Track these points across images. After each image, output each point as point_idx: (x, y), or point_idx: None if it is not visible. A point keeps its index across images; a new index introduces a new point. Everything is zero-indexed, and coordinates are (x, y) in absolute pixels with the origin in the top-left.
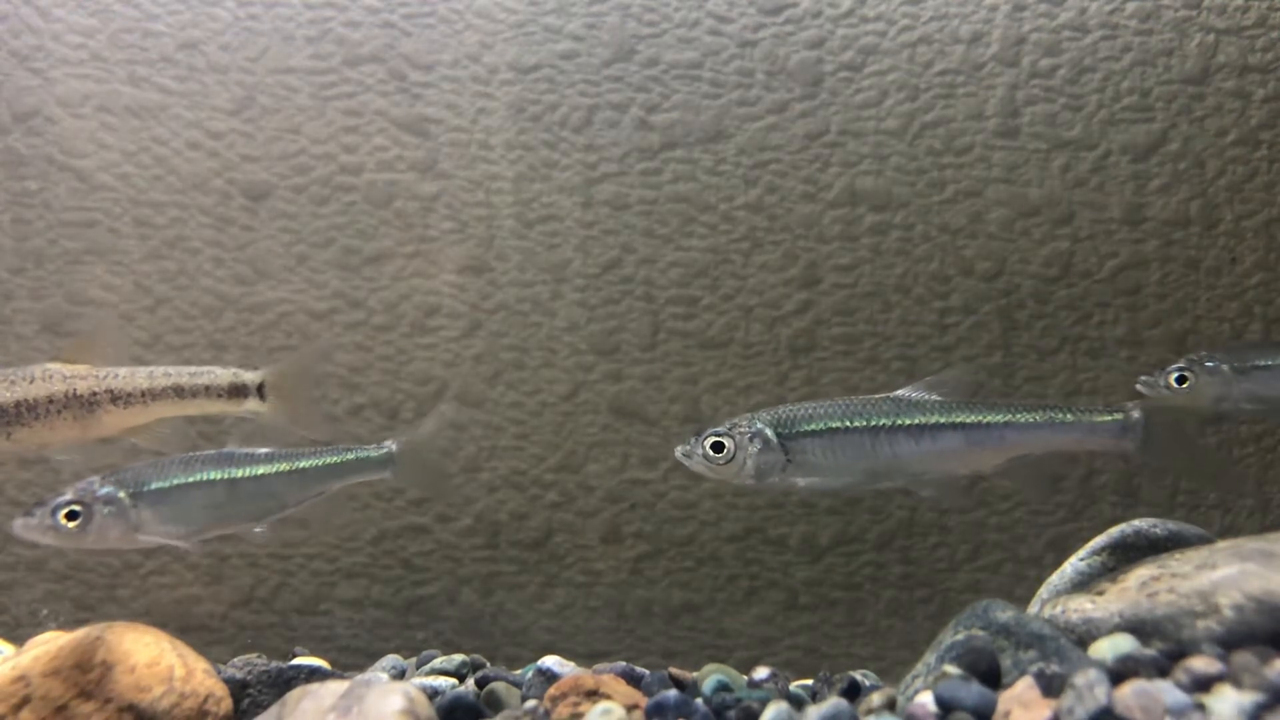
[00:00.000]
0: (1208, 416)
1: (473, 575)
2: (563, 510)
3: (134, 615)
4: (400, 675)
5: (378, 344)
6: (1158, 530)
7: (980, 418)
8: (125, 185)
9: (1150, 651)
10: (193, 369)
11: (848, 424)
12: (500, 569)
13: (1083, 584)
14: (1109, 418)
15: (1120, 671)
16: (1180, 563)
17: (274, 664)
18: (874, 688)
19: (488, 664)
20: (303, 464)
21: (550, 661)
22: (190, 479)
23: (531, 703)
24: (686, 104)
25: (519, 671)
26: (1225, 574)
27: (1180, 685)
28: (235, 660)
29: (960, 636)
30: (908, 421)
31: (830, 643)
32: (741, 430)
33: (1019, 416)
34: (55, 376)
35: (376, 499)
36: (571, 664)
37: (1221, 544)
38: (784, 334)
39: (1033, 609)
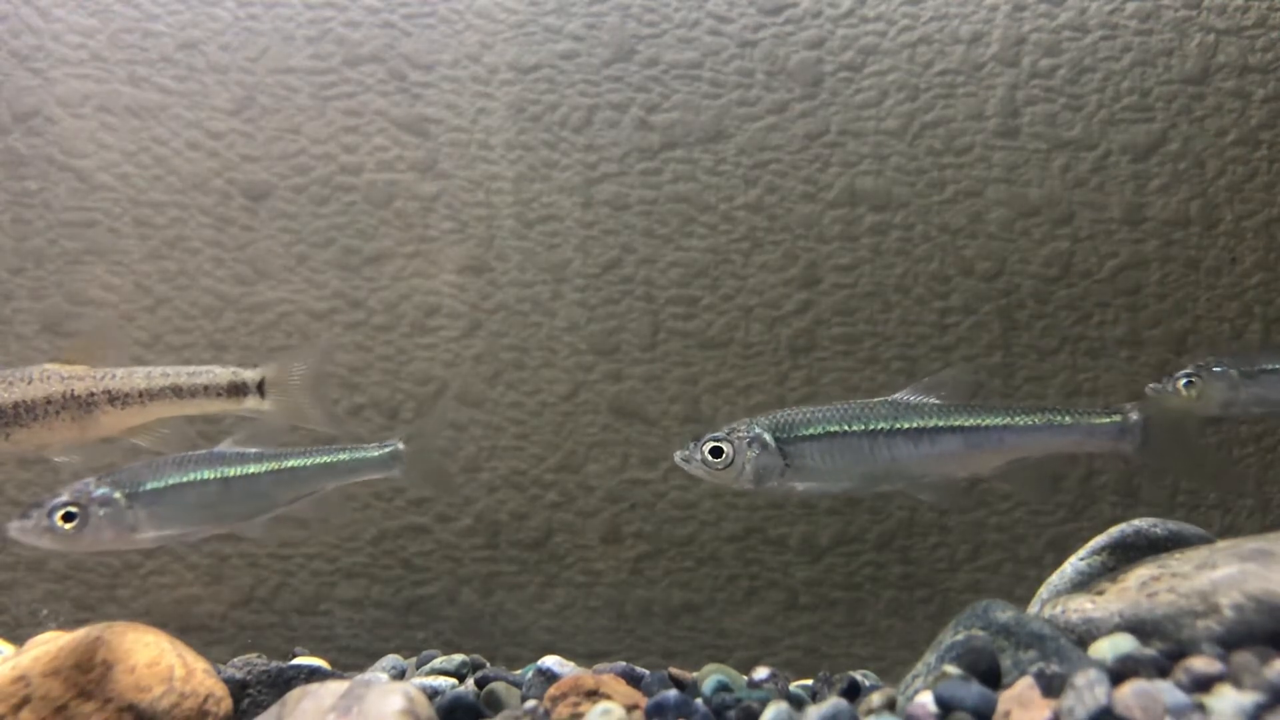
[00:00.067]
0: (1208, 418)
1: (473, 575)
2: (563, 510)
3: (134, 615)
4: (400, 675)
5: (378, 344)
6: (1158, 530)
7: (979, 421)
8: (125, 185)
9: (1150, 651)
10: (191, 368)
11: (846, 428)
12: (500, 569)
13: (1083, 584)
14: (1107, 420)
15: (1120, 671)
16: (1180, 563)
17: (274, 664)
18: (874, 688)
19: (488, 664)
20: (302, 463)
21: (550, 661)
22: (186, 479)
23: (531, 703)
24: (686, 104)
25: (519, 671)
26: (1225, 574)
27: (1180, 685)
28: (235, 660)
29: (960, 636)
30: (906, 425)
31: (830, 643)
32: (740, 435)
33: (1017, 419)
34: (53, 377)
35: (376, 499)
36: (571, 664)
37: (1221, 544)
38: (784, 334)
39: (1033, 609)
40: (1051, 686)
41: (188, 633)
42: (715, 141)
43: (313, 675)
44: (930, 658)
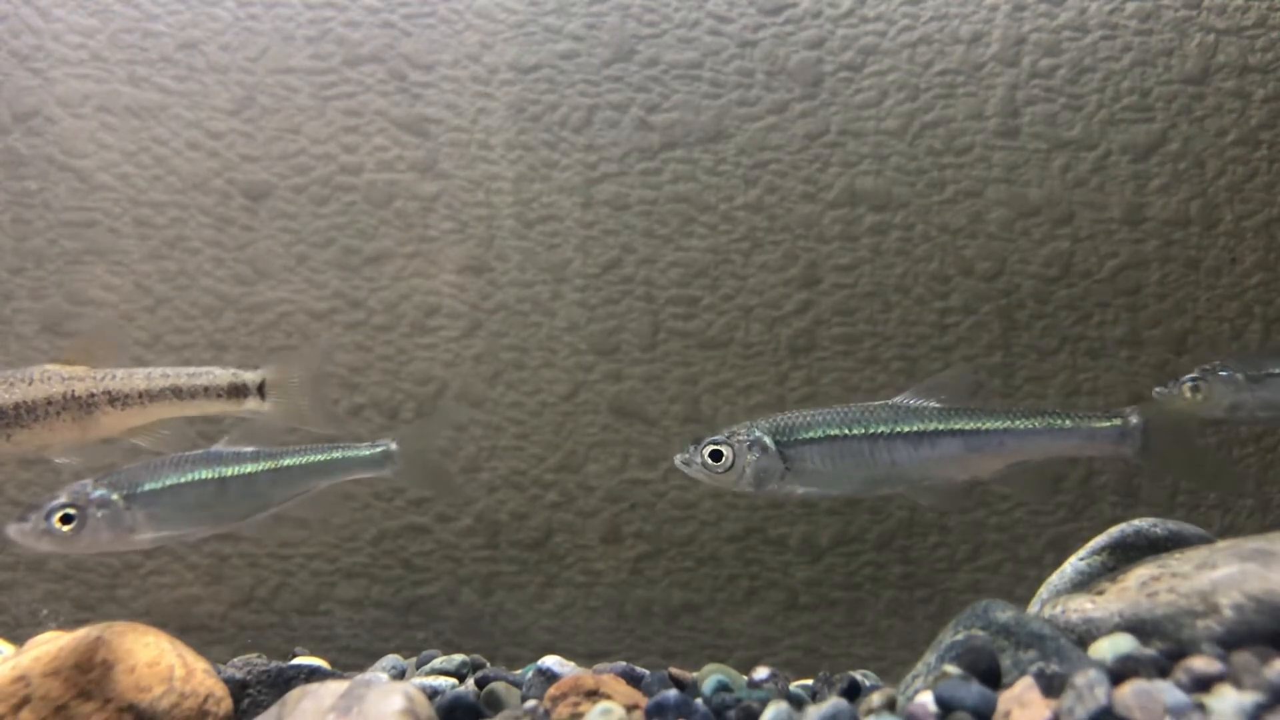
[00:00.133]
0: (1210, 420)
1: (473, 575)
2: (563, 510)
3: (134, 615)
4: (400, 675)
5: (378, 344)
6: (1158, 530)
7: (979, 424)
8: (125, 185)
9: (1150, 651)
10: (191, 369)
11: (846, 431)
12: (500, 569)
13: (1083, 584)
14: (1108, 423)
15: (1120, 671)
16: (1180, 563)
17: (274, 664)
18: (874, 688)
19: (488, 664)
20: (296, 462)
21: (550, 661)
22: (184, 479)
23: (531, 703)
24: (686, 104)
25: (519, 671)
26: (1225, 574)
27: (1180, 685)
28: (235, 660)
29: (960, 636)
30: (906, 429)
31: (830, 643)
32: (740, 438)
33: (1018, 423)
34: (54, 378)
35: (376, 499)
36: (571, 664)
37: (1221, 544)
38: (784, 334)
39: (1033, 609)
40: (1051, 686)
41: (188, 633)
42: (715, 141)
43: (313, 675)
44: (930, 658)
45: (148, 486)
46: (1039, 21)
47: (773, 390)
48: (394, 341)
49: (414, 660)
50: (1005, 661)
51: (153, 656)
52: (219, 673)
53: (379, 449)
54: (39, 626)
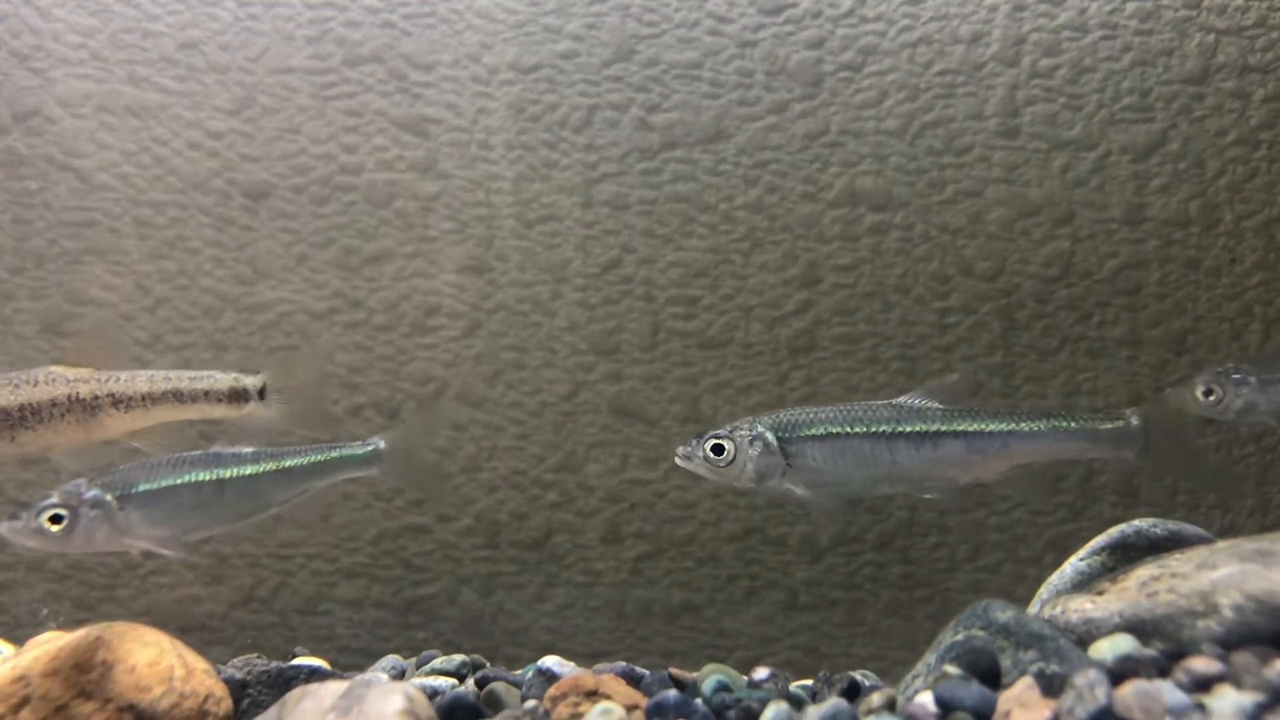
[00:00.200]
0: (1219, 420)
1: (473, 575)
2: (563, 510)
3: (134, 615)
4: (400, 675)
5: (378, 344)
6: (1158, 530)
7: (981, 426)
8: (125, 185)
9: (1150, 651)
10: (193, 373)
11: (849, 429)
12: (500, 569)
13: (1083, 584)
14: (1110, 425)
15: (1120, 671)
16: (1180, 563)
17: (274, 664)
18: (874, 688)
19: (488, 664)
20: (290, 462)
21: (550, 661)
22: (178, 480)
23: (531, 703)
24: (686, 104)
25: (519, 671)
26: (1225, 574)
27: (1180, 685)
28: (235, 660)
29: (960, 636)
30: (909, 428)
31: (830, 643)
32: (742, 434)
33: (1021, 425)
34: (58, 380)
35: (376, 499)
36: (571, 664)
37: (1221, 544)
38: (784, 334)
39: (1033, 609)
40: (1051, 686)
41: (188, 633)
42: (715, 141)
43: (313, 675)
44: (930, 658)
45: (142, 487)
46: (1039, 21)
47: (773, 390)
48: (394, 341)
49: (414, 660)
50: (1005, 662)
51: (153, 656)
52: (219, 673)
53: (369, 448)
54: (39, 626)
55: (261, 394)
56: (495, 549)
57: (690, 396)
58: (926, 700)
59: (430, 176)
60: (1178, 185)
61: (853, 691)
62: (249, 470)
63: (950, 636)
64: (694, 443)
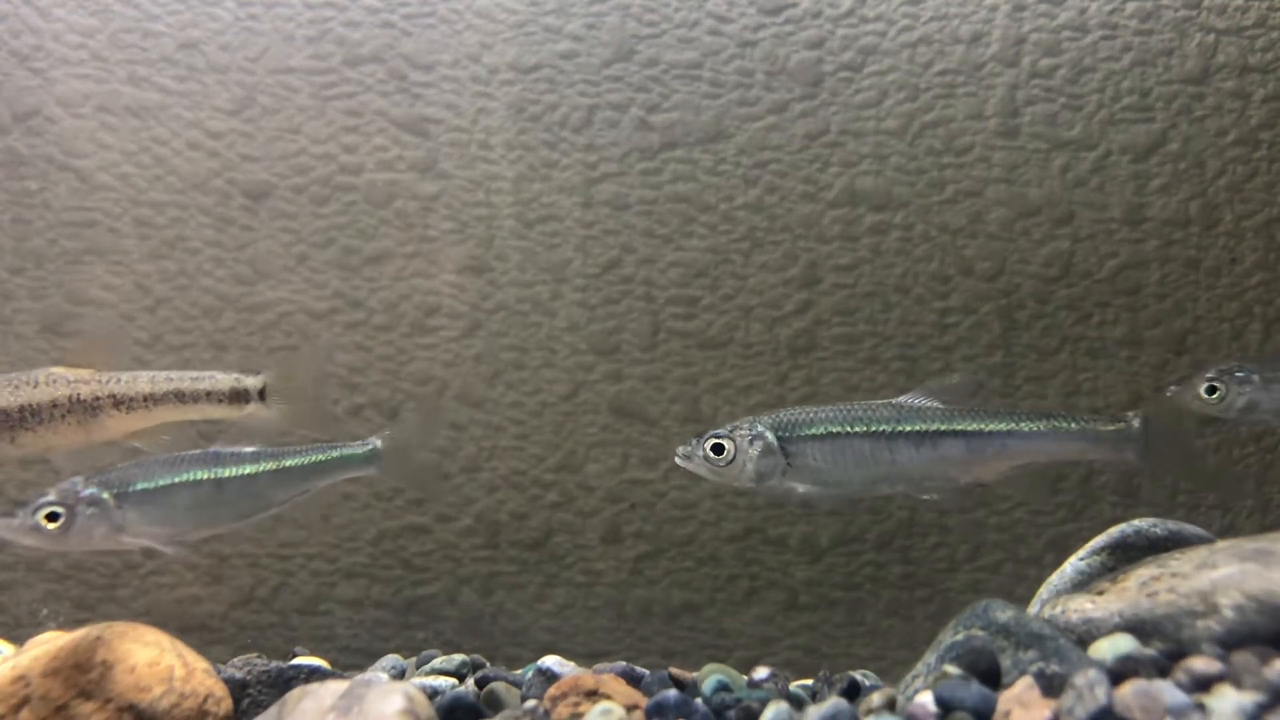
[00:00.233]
0: (1220, 419)
1: (473, 575)
2: (563, 510)
3: (134, 615)
4: (400, 675)
5: (378, 344)
6: (1158, 530)
7: (982, 426)
8: (125, 185)
9: (1150, 651)
10: (194, 374)
11: (849, 429)
12: (500, 569)
13: (1083, 584)
14: (1112, 427)
15: (1120, 671)
16: (1180, 563)
17: (274, 664)
18: (874, 688)
19: (488, 664)
20: (288, 462)
21: (550, 661)
22: (176, 479)
23: (531, 703)
24: (686, 104)
25: (519, 671)
26: (1225, 574)
27: (1180, 685)
28: (235, 660)
29: (960, 636)
30: (909, 428)
31: (830, 643)
32: (742, 433)
33: (1021, 425)
34: (58, 381)
35: (376, 499)
36: (571, 664)
37: (1221, 544)
38: (784, 334)
39: (1033, 609)
40: (1051, 686)
41: (188, 633)
42: (715, 141)
43: (313, 675)
44: (930, 658)
45: (139, 486)
46: (1039, 21)
47: (773, 390)
48: (394, 341)
49: (414, 660)
50: (1005, 661)
51: (153, 656)
52: (219, 673)
53: (367, 447)
54: (39, 626)
55: (262, 394)
56: (495, 549)
57: (690, 396)
58: (926, 700)
59: (430, 176)
60: (1178, 185)
61: (853, 691)
62: (247, 470)
63: (950, 636)
64: (694, 442)
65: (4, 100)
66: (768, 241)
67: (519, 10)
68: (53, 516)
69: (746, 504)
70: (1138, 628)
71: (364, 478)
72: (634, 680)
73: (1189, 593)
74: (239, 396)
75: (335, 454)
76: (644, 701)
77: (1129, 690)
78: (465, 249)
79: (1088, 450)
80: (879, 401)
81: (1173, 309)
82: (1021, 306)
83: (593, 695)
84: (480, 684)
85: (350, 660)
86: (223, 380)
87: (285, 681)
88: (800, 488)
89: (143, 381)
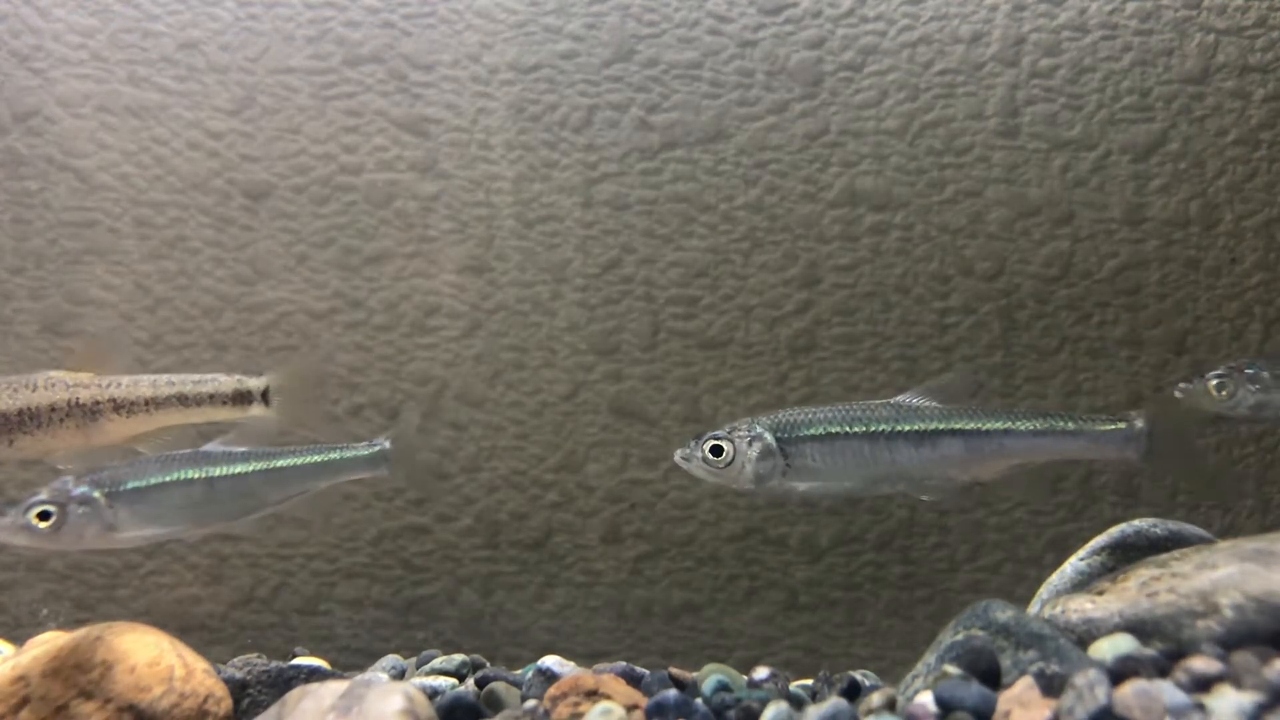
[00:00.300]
0: (1213, 420)
1: (473, 575)
2: (563, 510)
3: (134, 615)
4: (400, 675)
5: (378, 344)
6: (1158, 530)
7: (981, 425)
8: (125, 185)
9: (1150, 651)
10: (196, 377)
11: (847, 429)
12: (500, 569)
13: (1083, 584)
14: (1112, 427)
15: (1120, 671)
16: (1180, 563)
17: (274, 664)
18: (874, 688)
19: (488, 664)
20: (287, 463)
21: (550, 661)
22: (170, 478)
23: (531, 703)
24: (686, 104)
25: (519, 671)
26: (1225, 574)
27: (1180, 685)
28: (235, 660)
29: (960, 636)
30: (907, 427)
31: (830, 643)
32: (741, 434)
33: (1020, 424)
34: (58, 385)
35: (376, 499)
36: (571, 664)
37: (1221, 544)
38: (784, 334)
39: (1033, 609)
40: (1051, 686)
41: (188, 633)
42: (715, 141)
43: (313, 675)
44: (930, 658)
45: (132, 485)
46: (1039, 21)
47: (773, 390)
48: (394, 341)
49: (414, 660)
50: (1005, 661)
51: (153, 656)
52: (219, 673)
53: (375, 449)
54: (39, 626)
55: (265, 396)
56: (495, 549)
57: (690, 396)
58: (926, 700)
59: (430, 176)
60: (1178, 185)
61: (853, 691)
62: (244, 469)
63: (950, 636)
64: (692, 444)
65: (4, 100)
66: (768, 241)
67: (519, 10)
68: (44, 515)
69: (746, 504)
70: (1138, 628)
71: (367, 478)
72: (634, 680)
73: (1189, 593)
74: (242, 398)
75: (337, 455)
76: (644, 701)
77: (1129, 690)
78: (465, 249)
79: (1087, 450)
80: (877, 401)
81: (1173, 309)
82: (1021, 306)
83: (593, 695)
84: (480, 684)
85: (350, 660)
86: (225, 382)
87: (285, 681)
88: (800, 487)
89: (144, 385)
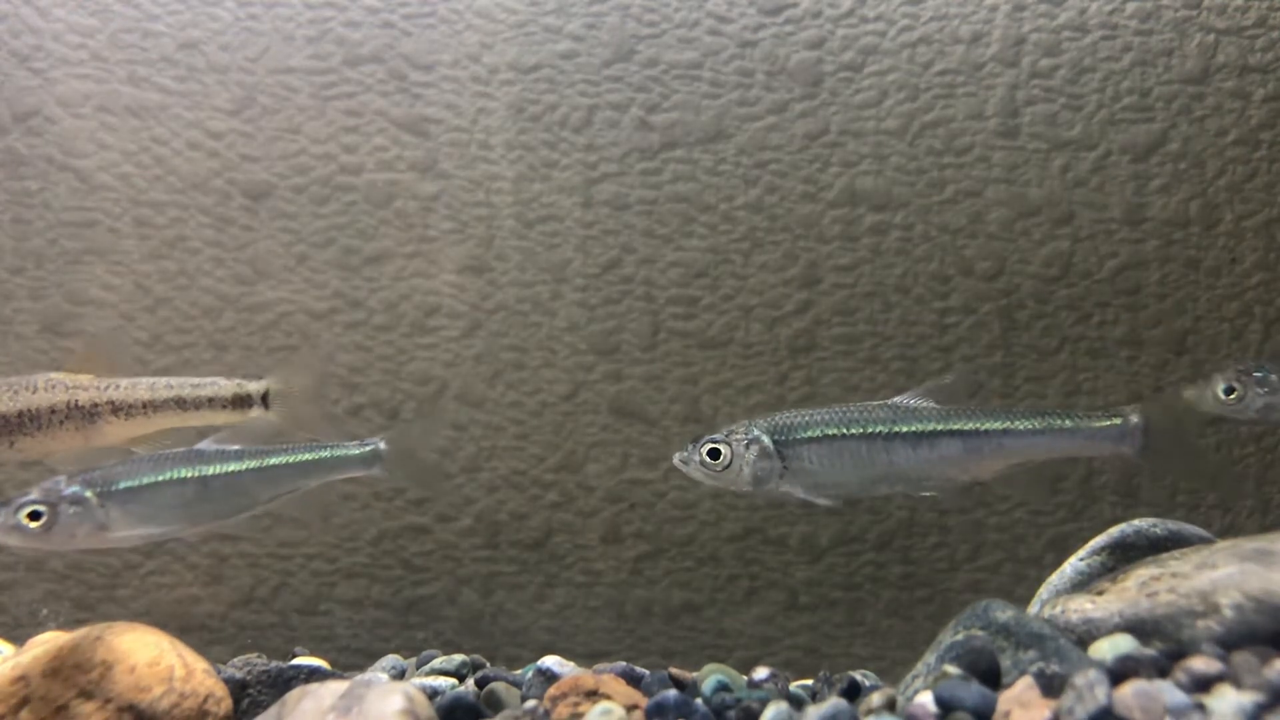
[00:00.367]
0: (1212, 420)
1: (473, 575)
2: (563, 510)
3: (134, 615)
4: (400, 675)
5: (378, 344)
6: (1158, 530)
7: (978, 425)
8: (125, 185)
9: (1150, 651)
10: (195, 380)
11: (845, 431)
12: (500, 569)
13: (1083, 584)
14: (1108, 423)
15: (1120, 671)
16: (1180, 563)
17: (274, 664)
18: (874, 688)
19: (488, 664)
20: (280, 461)
21: (550, 661)
22: (162, 477)
23: (531, 703)
24: (686, 104)
25: (519, 671)
26: (1225, 574)
27: (1180, 685)
28: (235, 660)
29: (960, 636)
30: (905, 429)
31: (830, 643)
32: (738, 437)
33: (1017, 423)
34: (58, 387)
35: (376, 499)
36: (571, 664)
37: (1221, 544)
38: (784, 334)
39: (1033, 609)
40: (1051, 686)
41: (188, 633)
42: (715, 141)
43: (313, 675)
44: (930, 658)
45: (124, 484)
46: (1039, 21)
47: (773, 390)
48: (394, 341)
49: (414, 660)
50: (1005, 661)
51: (153, 656)
52: (219, 673)
53: (368, 448)
54: (39, 626)
55: (265, 400)
56: (495, 549)
57: (690, 396)
58: (926, 700)
59: (430, 176)
60: (1178, 185)
61: (853, 691)
62: (237, 468)
63: (950, 636)
64: (690, 447)
65: (4, 100)
66: (768, 241)
67: (519, 10)
68: (35, 515)
69: (746, 504)
70: (1138, 628)
71: (364, 478)
72: (634, 680)
73: (1189, 593)
74: (241, 402)
75: (328, 454)
76: (644, 701)
77: (1129, 690)
78: (465, 249)
79: (1085, 447)
80: (875, 403)
81: (1173, 309)
82: (1021, 306)
83: (593, 695)
84: (480, 684)
85: (350, 660)
86: (225, 386)
87: (285, 681)
88: (799, 491)
89: (143, 388)
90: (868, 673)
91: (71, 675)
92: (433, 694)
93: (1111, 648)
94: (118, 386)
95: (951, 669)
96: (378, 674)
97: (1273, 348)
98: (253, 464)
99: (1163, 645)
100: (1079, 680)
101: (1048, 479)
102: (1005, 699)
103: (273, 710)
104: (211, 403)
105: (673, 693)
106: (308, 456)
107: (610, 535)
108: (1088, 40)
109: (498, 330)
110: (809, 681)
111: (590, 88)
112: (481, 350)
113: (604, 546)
